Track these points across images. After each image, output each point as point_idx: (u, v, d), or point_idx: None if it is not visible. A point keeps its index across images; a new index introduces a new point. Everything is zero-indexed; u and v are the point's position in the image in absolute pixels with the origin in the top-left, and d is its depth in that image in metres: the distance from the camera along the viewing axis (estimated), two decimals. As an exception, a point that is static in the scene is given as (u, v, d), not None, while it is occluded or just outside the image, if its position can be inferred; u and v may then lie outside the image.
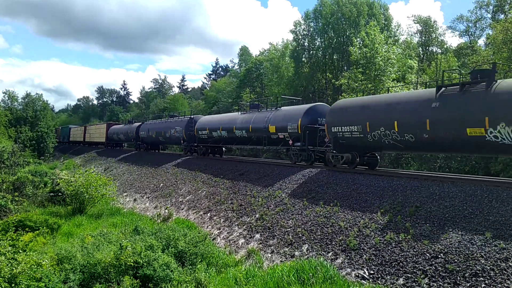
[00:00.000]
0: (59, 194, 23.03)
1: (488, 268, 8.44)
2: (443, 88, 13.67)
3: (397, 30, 45.97)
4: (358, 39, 34.95)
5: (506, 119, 11.46)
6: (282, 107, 23.15)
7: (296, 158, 20.66)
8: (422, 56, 43.03)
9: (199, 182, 22.71)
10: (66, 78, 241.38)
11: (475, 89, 12.64)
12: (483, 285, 8.13)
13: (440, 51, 41.04)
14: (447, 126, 13.05)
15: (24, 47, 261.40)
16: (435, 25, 41.92)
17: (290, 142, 20.62)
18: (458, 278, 8.56)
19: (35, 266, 8.94)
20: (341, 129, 17.11)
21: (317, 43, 47.11)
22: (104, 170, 37.57)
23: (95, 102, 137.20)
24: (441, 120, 13.24)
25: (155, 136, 38.20)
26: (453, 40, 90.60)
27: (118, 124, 54.83)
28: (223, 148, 31.19)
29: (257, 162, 24.58)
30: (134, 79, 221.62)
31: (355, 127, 16.41)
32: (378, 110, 15.75)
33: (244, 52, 69.04)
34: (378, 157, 18.57)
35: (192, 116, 33.41)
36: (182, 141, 33.50)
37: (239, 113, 26.78)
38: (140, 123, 45.34)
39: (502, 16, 36.72)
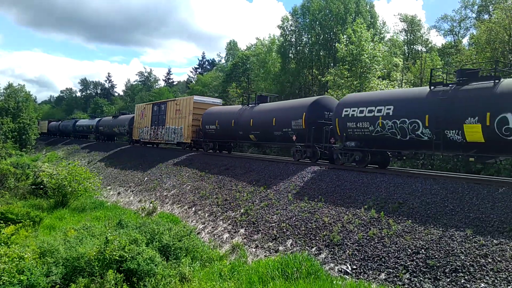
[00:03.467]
0: (41, 186, 22.70)
1: (468, 264, 8.64)
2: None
3: (383, 28, 46.37)
4: (344, 36, 35.12)
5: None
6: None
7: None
8: (407, 54, 43.46)
9: (184, 176, 22.64)
10: (48, 69, 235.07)
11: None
12: (462, 281, 8.33)
13: (425, 50, 41.51)
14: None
15: (4, 37, 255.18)
16: (420, 23, 42.38)
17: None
18: (439, 273, 8.75)
19: (18, 259, 8.85)
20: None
21: (304, 39, 47.18)
22: (88, 163, 37.15)
23: (79, 94, 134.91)
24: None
25: (63, 129, 66.73)
26: (437, 39, 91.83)
27: (54, 121, 79.25)
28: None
29: (243, 157, 24.57)
30: (118, 71, 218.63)
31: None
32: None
33: (232, 46, 68.77)
34: None
35: (76, 119, 63.18)
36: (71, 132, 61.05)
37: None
38: (60, 121, 73.71)
39: (486, 16, 37.31)
